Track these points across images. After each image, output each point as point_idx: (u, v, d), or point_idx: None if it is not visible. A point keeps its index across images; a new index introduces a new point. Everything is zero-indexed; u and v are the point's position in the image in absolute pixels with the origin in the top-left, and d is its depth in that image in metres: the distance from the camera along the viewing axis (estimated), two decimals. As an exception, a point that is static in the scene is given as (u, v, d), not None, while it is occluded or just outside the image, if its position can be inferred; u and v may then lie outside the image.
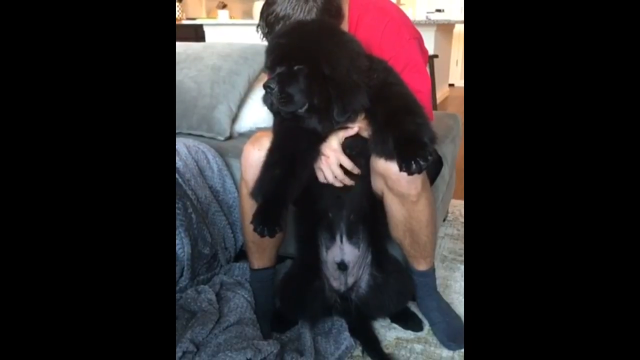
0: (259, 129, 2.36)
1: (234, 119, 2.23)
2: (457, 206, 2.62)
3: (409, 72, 1.48)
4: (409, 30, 1.56)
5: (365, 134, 1.38)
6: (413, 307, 1.71)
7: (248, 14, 6.70)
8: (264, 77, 2.54)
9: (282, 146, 1.39)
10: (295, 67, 1.27)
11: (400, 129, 1.25)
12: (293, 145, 1.38)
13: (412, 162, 1.18)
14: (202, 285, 1.60)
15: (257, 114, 2.34)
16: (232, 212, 1.90)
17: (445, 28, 6.10)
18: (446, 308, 1.64)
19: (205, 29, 6.25)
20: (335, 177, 1.41)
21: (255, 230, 1.27)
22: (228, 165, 1.92)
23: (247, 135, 2.26)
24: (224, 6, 6.97)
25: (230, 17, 6.87)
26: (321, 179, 1.43)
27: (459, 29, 6.78)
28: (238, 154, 1.98)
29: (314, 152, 1.40)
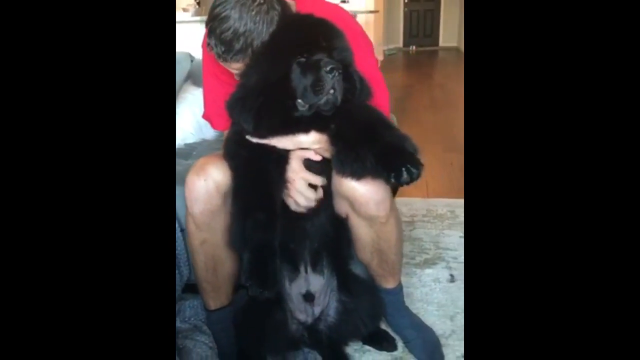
0: (187, 145, 2.15)
1: (161, 137, 2.00)
2: (407, 204, 2.58)
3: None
4: (367, 40, 1.46)
5: (327, 154, 1.27)
6: (383, 326, 1.63)
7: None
8: (188, 88, 2.33)
9: (254, 183, 1.26)
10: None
11: (381, 143, 1.16)
12: (264, 180, 1.25)
13: (403, 170, 1.09)
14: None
15: (184, 129, 2.13)
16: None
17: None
18: (419, 323, 1.59)
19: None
20: (308, 199, 1.30)
21: (253, 293, 1.15)
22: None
23: (178, 154, 2.04)
24: None
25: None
26: (294, 207, 1.32)
27: (361, 19, 6.85)
28: (179, 180, 1.76)
29: (281, 183, 1.28)
